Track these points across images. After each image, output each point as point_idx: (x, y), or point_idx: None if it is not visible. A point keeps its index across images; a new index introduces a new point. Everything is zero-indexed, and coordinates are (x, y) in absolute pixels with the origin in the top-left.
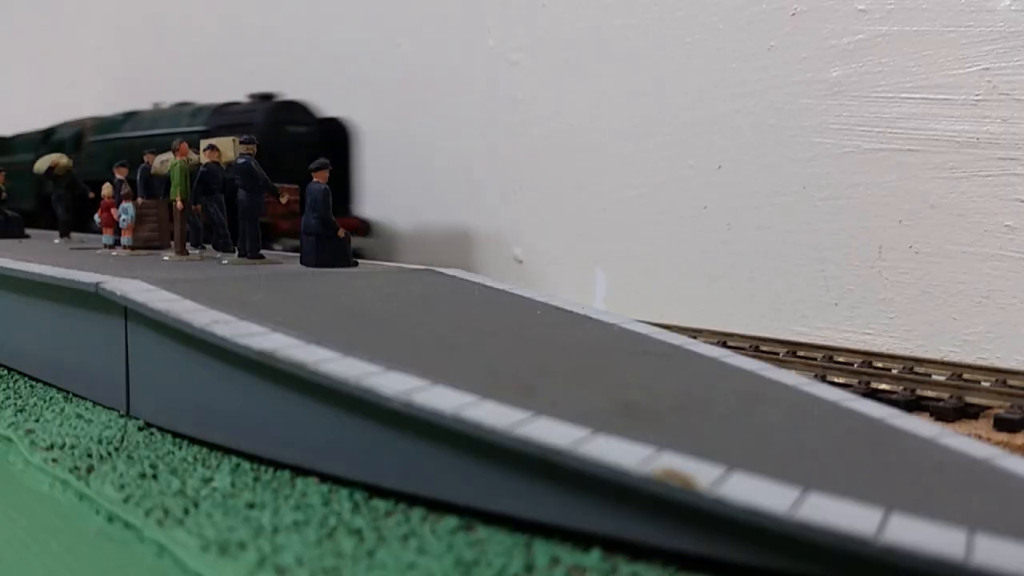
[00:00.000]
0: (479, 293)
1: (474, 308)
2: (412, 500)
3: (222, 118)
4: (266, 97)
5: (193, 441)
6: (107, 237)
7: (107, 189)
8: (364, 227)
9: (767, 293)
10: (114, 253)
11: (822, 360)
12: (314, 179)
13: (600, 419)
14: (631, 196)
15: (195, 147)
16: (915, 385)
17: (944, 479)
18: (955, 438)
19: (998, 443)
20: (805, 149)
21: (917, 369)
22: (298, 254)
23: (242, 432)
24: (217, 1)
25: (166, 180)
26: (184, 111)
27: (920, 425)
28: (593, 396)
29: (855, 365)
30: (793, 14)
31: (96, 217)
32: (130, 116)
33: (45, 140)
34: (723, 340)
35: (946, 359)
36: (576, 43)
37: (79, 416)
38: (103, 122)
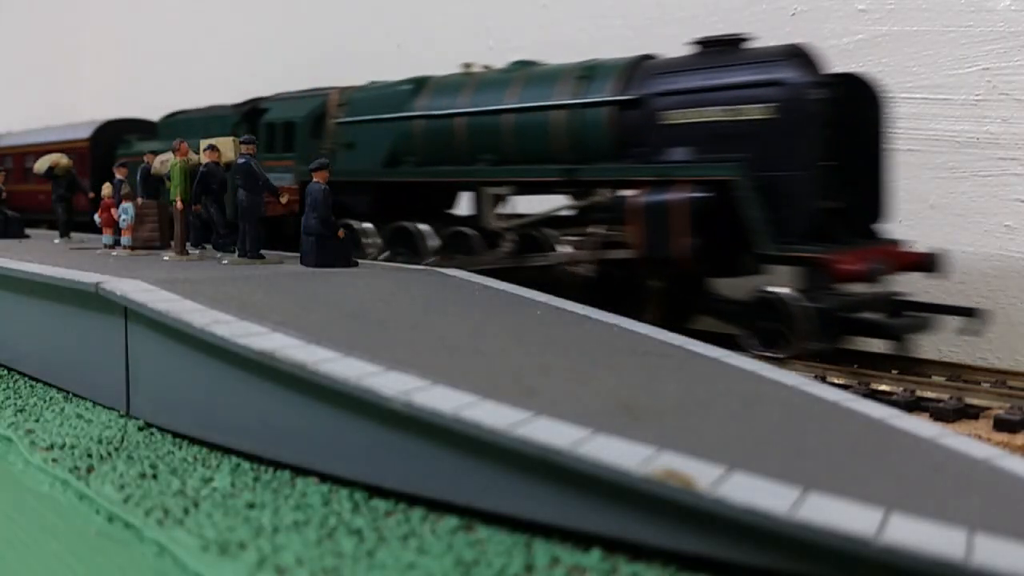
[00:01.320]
0: (479, 293)
1: (474, 308)
2: (412, 500)
3: (668, 81)
4: (731, 42)
5: (193, 441)
6: (107, 237)
7: (107, 189)
8: (929, 262)
9: None
10: (114, 253)
11: (822, 360)
12: (314, 179)
13: (600, 419)
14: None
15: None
16: (915, 385)
17: (944, 479)
18: (955, 438)
19: (998, 443)
20: None
21: (917, 369)
22: (299, 254)
23: (242, 432)
24: None
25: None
26: (548, 74)
27: (920, 425)
28: (593, 396)
29: (855, 365)
30: (793, 14)
31: (96, 217)
32: (422, 84)
33: (248, 119)
34: None
35: (946, 359)
36: (576, 43)
37: (79, 416)
38: (369, 95)
